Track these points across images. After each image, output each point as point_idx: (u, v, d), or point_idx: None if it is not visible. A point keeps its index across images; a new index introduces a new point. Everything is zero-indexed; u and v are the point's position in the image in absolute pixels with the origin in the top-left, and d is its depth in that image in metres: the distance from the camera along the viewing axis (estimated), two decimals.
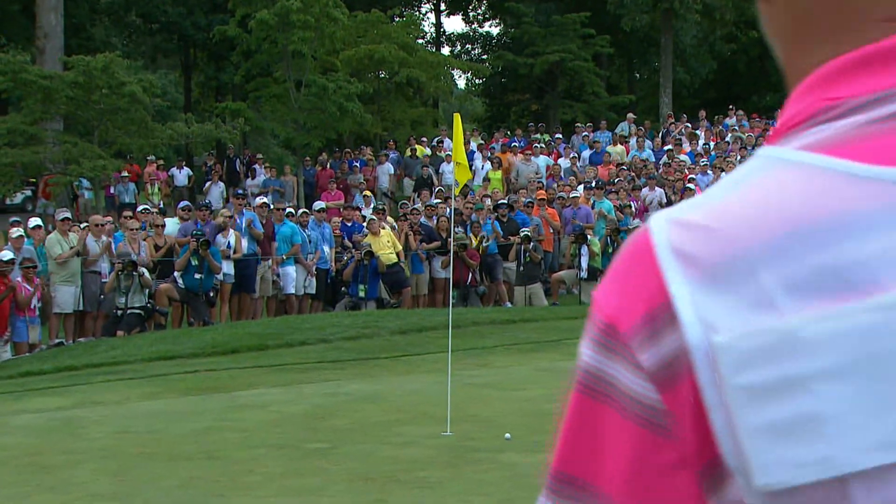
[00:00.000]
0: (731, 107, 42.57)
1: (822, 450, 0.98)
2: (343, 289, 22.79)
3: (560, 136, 37.24)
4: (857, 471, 0.97)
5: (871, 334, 0.98)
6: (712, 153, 33.71)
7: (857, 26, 1.12)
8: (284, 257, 22.01)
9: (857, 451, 0.97)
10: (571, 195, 26.25)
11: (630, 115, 40.67)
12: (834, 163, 1.05)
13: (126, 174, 30.14)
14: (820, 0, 1.15)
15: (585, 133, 37.35)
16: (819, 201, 1.03)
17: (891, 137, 1.05)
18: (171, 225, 21.97)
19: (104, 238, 20.23)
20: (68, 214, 21.74)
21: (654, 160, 32.80)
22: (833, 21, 1.14)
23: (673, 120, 40.09)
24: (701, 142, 35.41)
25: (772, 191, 1.07)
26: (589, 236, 24.22)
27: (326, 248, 23.10)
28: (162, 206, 24.72)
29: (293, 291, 22.31)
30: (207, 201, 24.87)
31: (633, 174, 30.35)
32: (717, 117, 40.57)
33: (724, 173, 30.37)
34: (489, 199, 26.14)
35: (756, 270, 1.02)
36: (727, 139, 35.90)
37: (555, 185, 28.40)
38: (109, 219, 21.64)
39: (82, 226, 20.85)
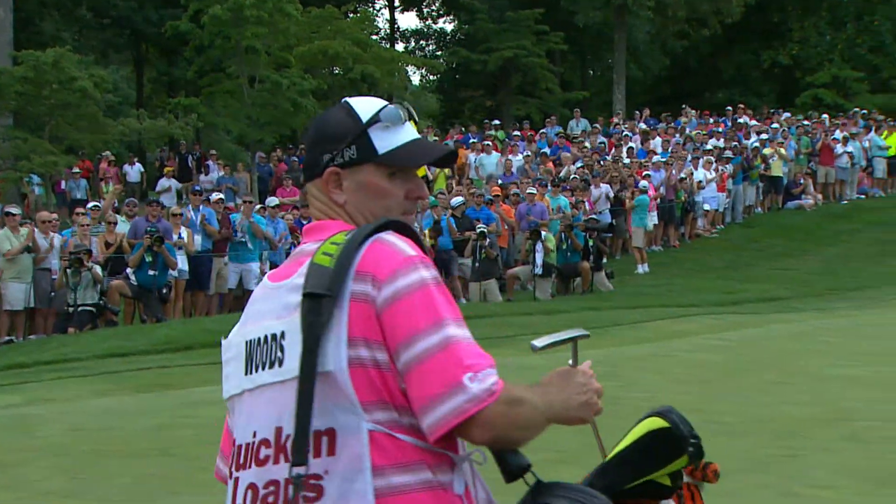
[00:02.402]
0: (683, 106, 42.84)
1: (226, 387, 2.86)
2: None
3: (518, 133, 37.37)
4: (228, 396, 2.86)
5: (238, 341, 2.83)
6: (665, 150, 33.93)
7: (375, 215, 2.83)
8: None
9: (229, 390, 2.85)
10: (527, 192, 26.27)
11: (577, 110, 40.91)
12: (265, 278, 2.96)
13: (77, 170, 29.90)
14: (361, 207, 2.83)
15: (544, 130, 37.66)
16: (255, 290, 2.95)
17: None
18: (122, 223, 21.89)
19: (53, 235, 20.07)
20: (18, 210, 21.52)
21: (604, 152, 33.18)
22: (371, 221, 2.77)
23: (620, 119, 40.35)
24: (653, 139, 35.68)
25: None
26: (544, 233, 24.25)
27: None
28: (116, 204, 24.47)
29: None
30: (163, 198, 24.71)
31: (587, 171, 30.48)
32: (669, 114, 40.84)
33: (674, 171, 30.70)
34: (443, 196, 26.14)
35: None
36: (677, 139, 36.18)
37: (517, 181, 28.49)
38: (55, 216, 21.47)
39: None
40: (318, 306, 2.58)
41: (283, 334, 2.67)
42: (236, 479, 2.74)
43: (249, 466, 2.70)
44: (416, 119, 2.92)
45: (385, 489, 2.56)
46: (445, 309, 2.59)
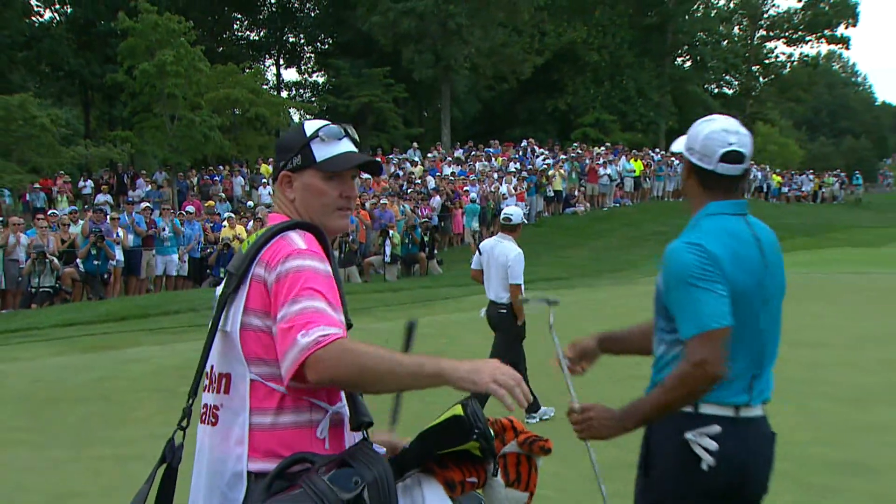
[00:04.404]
0: (492, 140, 43.27)
1: None
2: (208, 271, 22.55)
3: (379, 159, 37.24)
4: None
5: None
6: (478, 172, 34.26)
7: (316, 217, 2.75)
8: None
9: None
10: (381, 202, 26.26)
11: (415, 143, 41.04)
12: None
13: (39, 185, 28.98)
14: (306, 203, 2.74)
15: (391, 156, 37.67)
16: None
17: None
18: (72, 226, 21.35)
19: (20, 234, 19.45)
20: None
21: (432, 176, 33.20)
22: (313, 214, 2.75)
23: (443, 149, 40.64)
24: (467, 164, 35.98)
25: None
26: (391, 231, 24.30)
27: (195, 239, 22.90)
28: (67, 211, 23.75)
29: (175, 273, 22.09)
30: (102, 207, 24.03)
31: (424, 186, 30.58)
32: (480, 145, 41.25)
33: (486, 186, 30.94)
34: None
35: None
36: (490, 163, 36.55)
37: (367, 193, 28.42)
38: (22, 220, 20.83)
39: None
40: (229, 281, 2.63)
41: (218, 297, 2.70)
42: (189, 404, 2.71)
43: (194, 394, 2.71)
44: (356, 138, 2.87)
45: (257, 425, 2.56)
46: (311, 287, 2.50)
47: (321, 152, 2.76)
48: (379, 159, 3.64)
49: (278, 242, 2.61)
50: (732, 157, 3.21)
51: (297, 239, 2.62)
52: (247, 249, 2.65)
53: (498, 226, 9.59)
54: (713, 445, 3.12)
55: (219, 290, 2.75)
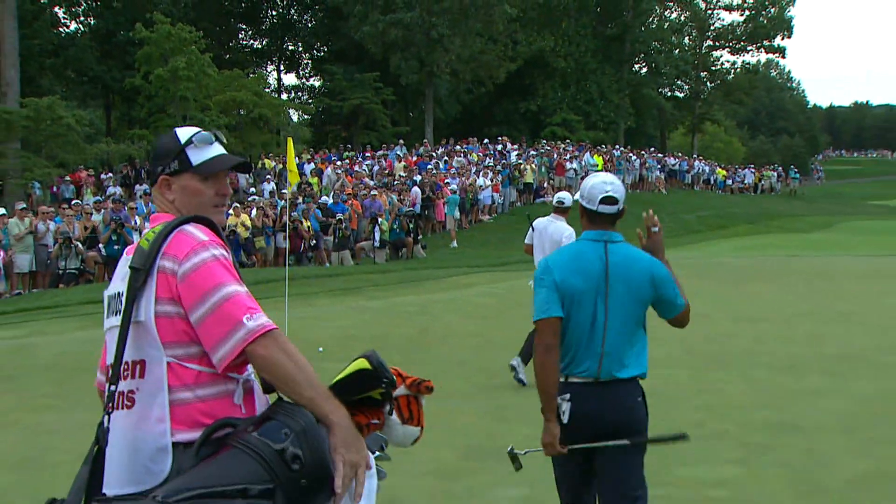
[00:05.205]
0: (470, 138, 43.16)
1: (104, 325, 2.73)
2: None
3: (368, 154, 37.24)
4: (104, 331, 2.73)
5: (105, 295, 2.74)
6: (458, 165, 34.18)
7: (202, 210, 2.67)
8: None
9: (104, 327, 2.73)
10: (371, 193, 26.19)
11: (401, 140, 40.95)
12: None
13: (67, 179, 28.89)
14: (185, 203, 2.70)
15: (380, 152, 37.53)
16: None
17: None
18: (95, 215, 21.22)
19: (48, 222, 19.37)
20: (24, 205, 20.69)
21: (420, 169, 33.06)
22: (192, 212, 2.64)
23: (427, 146, 40.51)
24: (448, 159, 35.85)
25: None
26: (380, 219, 24.26)
27: None
28: (92, 201, 23.63)
29: None
30: (120, 198, 23.88)
31: (409, 179, 30.49)
32: (461, 142, 41.17)
33: (464, 179, 30.89)
34: (307, 195, 25.79)
35: None
36: (468, 159, 36.48)
37: (359, 185, 28.31)
38: (51, 209, 20.68)
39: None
40: (137, 276, 2.53)
41: (120, 294, 2.61)
42: (112, 389, 2.55)
43: (116, 381, 2.55)
44: (223, 141, 2.82)
45: (176, 401, 2.49)
46: (225, 276, 2.50)
47: (196, 157, 2.71)
48: (248, 160, 3.84)
49: (178, 237, 2.56)
50: (608, 200, 3.97)
51: (197, 232, 2.59)
52: (149, 246, 2.56)
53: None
54: (568, 407, 3.88)
55: (107, 291, 2.72)
